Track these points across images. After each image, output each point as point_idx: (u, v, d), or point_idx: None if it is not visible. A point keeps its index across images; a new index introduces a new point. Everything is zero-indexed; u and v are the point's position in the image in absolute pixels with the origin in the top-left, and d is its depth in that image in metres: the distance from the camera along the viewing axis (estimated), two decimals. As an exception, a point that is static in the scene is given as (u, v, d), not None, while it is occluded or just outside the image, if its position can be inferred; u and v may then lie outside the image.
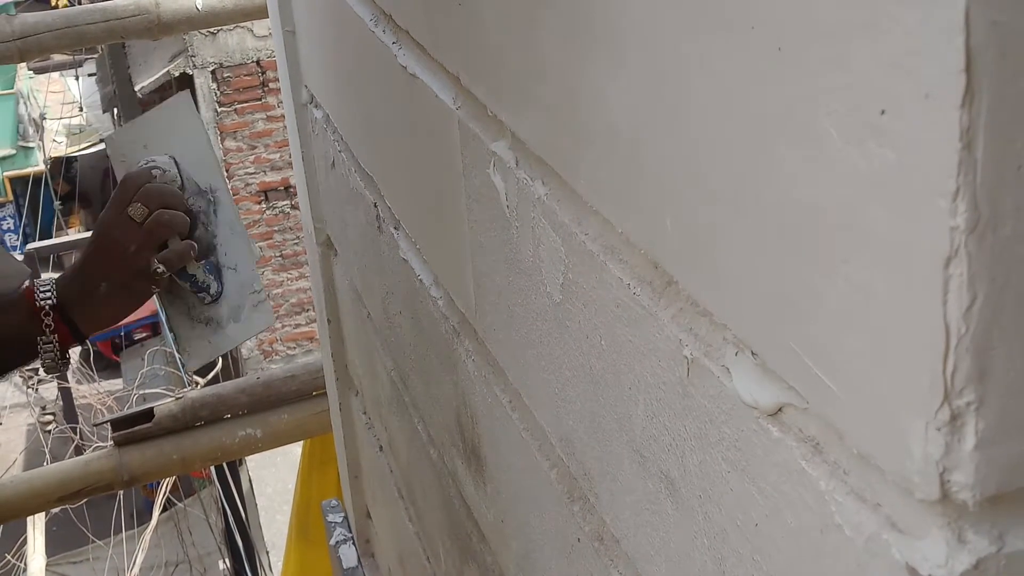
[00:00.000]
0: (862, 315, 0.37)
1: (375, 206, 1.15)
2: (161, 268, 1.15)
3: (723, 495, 0.50)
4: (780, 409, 0.44)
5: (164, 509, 7.66)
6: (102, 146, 15.31)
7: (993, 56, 0.31)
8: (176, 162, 1.19)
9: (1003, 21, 0.30)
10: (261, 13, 1.69)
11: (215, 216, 1.14)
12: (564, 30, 0.58)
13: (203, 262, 1.18)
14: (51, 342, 1.14)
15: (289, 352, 9.09)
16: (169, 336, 1.16)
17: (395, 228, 1.09)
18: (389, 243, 1.11)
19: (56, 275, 1.19)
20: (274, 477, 7.01)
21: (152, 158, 1.19)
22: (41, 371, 1.21)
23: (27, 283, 1.14)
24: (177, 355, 1.08)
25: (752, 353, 0.46)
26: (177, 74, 8.05)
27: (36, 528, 6.67)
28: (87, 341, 1.18)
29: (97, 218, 1.23)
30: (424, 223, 0.98)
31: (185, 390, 2.39)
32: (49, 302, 1.13)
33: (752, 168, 0.42)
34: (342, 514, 1.81)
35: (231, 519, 6.86)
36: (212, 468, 6.69)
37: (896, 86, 0.33)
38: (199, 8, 1.91)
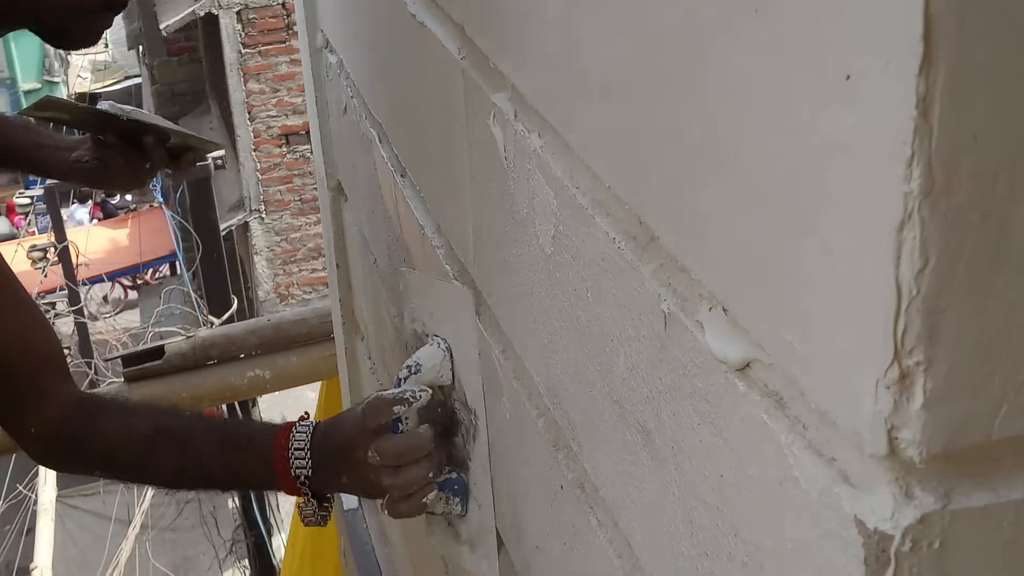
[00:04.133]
0: (823, 275, 0.38)
1: (384, 157, 1.16)
2: (391, 488, 1.01)
3: (694, 447, 0.51)
4: (748, 364, 0.46)
5: (176, 447, 7.73)
6: (127, 83, 15.33)
7: (952, 25, 0.32)
8: (451, 355, 0.99)
9: (963, -7, 0.31)
10: (281, -44, 1.69)
11: (473, 441, 0.98)
12: (562, -15, 0.58)
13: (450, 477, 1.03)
14: (311, 506, 1.09)
15: (305, 296, 9.13)
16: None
17: (401, 176, 1.10)
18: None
19: (303, 428, 1.08)
20: (285, 419, 7.06)
21: (431, 341, 1.01)
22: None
23: (278, 431, 1.08)
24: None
25: (724, 309, 0.47)
26: (203, 14, 8.03)
27: (49, 460, 6.73)
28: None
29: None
30: (429, 172, 0.99)
31: (195, 329, 2.41)
32: (305, 472, 1.06)
33: (729, 129, 0.43)
34: (345, 457, 1.84)
35: (241, 459, 6.92)
36: (224, 409, 6.76)
37: (861, 52, 0.34)
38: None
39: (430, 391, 0.97)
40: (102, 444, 1.14)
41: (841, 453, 0.40)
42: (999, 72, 0.32)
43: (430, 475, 0.98)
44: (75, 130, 1.58)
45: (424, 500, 0.98)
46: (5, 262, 1.13)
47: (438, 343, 0.99)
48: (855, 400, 0.38)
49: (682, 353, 0.51)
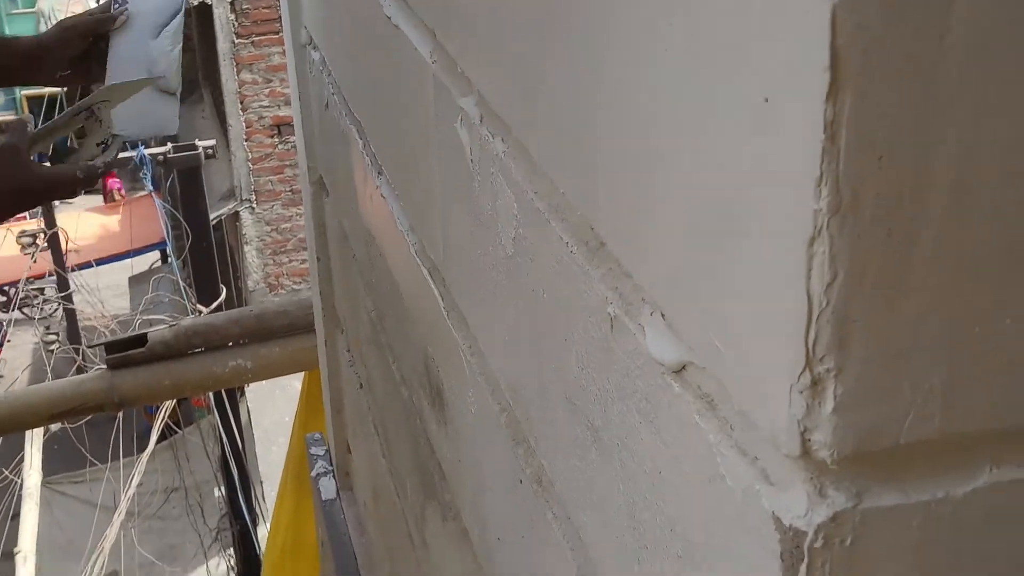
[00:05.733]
0: (744, 286, 0.41)
1: (363, 153, 1.18)
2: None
3: (636, 444, 0.54)
4: (683, 367, 0.48)
5: (163, 437, 7.76)
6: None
7: (857, 56, 0.34)
8: None
9: (867, 24, 0.33)
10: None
11: None
12: (523, 4, 0.61)
13: None
14: None
15: (295, 286, 9.15)
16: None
17: (378, 173, 1.12)
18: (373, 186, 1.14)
19: None
20: (272, 409, 7.10)
21: None
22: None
23: None
24: None
25: (662, 315, 0.49)
26: (196, 3, 8.03)
27: (34, 445, 6.77)
28: None
29: None
30: (403, 171, 1.01)
31: (184, 318, 2.43)
32: None
33: (665, 145, 0.46)
34: (324, 447, 1.86)
35: (228, 449, 6.95)
36: (211, 398, 6.77)
37: (778, 78, 0.37)
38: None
39: None
40: None
41: (762, 453, 0.42)
42: (901, 100, 0.34)
43: None
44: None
45: None
46: None
47: None
48: (772, 403, 0.40)
49: (626, 354, 0.53)
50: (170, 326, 2.18)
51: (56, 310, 9.84)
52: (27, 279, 8.21)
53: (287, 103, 8.44)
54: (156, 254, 10.74)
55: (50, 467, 7.75)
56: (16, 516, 6.96)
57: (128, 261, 9.90)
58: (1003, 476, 0.40)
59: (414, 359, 1.07)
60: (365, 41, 1.09)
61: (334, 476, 1.81)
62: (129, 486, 7.57)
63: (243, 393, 7.56)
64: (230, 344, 2.23)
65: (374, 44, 1.04)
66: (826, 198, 0.35)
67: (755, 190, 0.39)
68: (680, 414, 0.48)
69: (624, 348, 0.53)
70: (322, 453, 1.87)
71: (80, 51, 1.64)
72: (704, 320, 0.45)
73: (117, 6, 1.63)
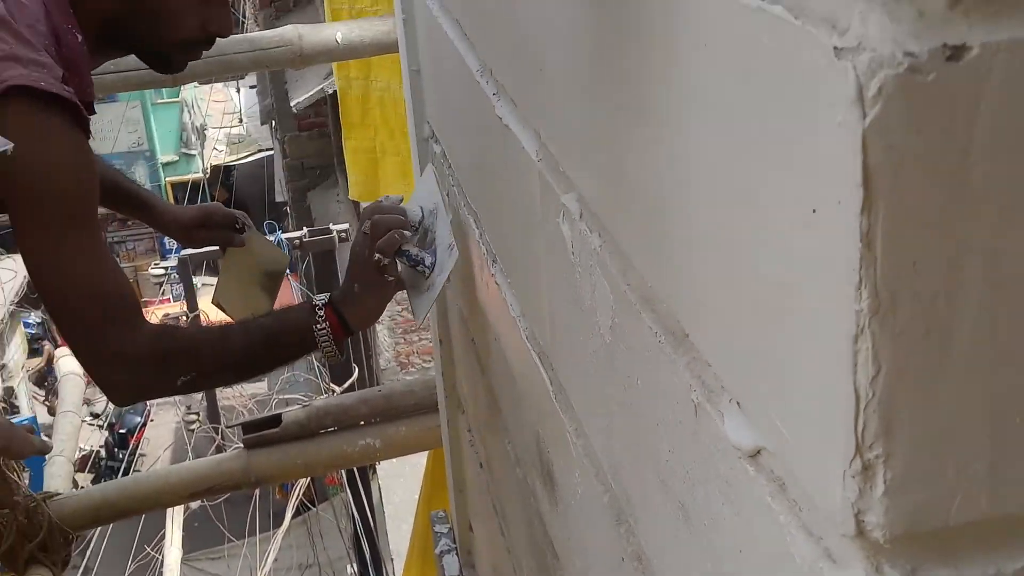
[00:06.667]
0: (801, 378, 0.44)
1: (480, 243, 1.24)
2: (378, 256, 1.42)
3: (719, 523, 0.57)
4: (758, 452, 0.51)
5: (297, 513, 7.92)
6: (260, 155, 15.89)
7: (888, 174, 0.38)
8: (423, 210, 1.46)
9: (895, 145, 0.37)
10: (394, 49, 1.80)
11: (436, 221, 1.40)
12: (611, 112, 0.66)
13: (420, 249, 1.42)
14: (325, 330, 1.46)
15: (424, 364, 9.28)
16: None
17: (493, 261, 1.17)
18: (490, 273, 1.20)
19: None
20: (402, 487, 7.18)
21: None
22: (323, 358, 1.55)
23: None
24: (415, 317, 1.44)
25: (738, 403, 0.53)
26: (331, 91, 8.32)
27: (175, 523, 6.98)
28: (355, 333, 1.52)
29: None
30: (514, 260, 1.07)
31: (317, 397, 2.52)
32: (322, 300, 1.47)
33: (737, 250, 0.50)
34: (448, 525, 1.91)
35: (359, 526, 7.06)
36: (344, 475, 6.90)
37: (823, 192, 0.41)
38: (339, 42, 2.04)
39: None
40: (186, 343, 1.46)
41: (825, 533, 0.45)
42: (930, 210, 0.38)
43: (405, 236, 1.41)
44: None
45: (399, 246, 1.40)
46: (91, 210, 1.41)
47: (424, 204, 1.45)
48: (830, 487, 0.43)
49: (709, 439, 0.57)
50: (303, 407, 2.27)
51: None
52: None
53: (417, 186, 8.64)
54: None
55: (190, 544, 7.96)
56: (157, 591, 7.15)
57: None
58: (1052, 556, 0.43)
59: (527, 440, 1.11)
60: (480, 137, 1.15)
61: (457, 554, 1.85)
62: (265, 562, 7.72)
63: (375, 471, 7.67)
64: (361, 423, 2.31)
65: (488, 140, 1.10)
66: (866, 300, 0.39)
67: (808, 291, 0.43)
68: (755, 496, 0.51)
69: (707, 433, 0.57)
70: (446, 531, 1.91)
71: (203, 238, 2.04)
72: (772, 408, 0.48)
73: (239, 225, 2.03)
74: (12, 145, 0.81)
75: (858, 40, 0.37)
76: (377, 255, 1.42)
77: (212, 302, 2.09)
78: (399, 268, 1.45)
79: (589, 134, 0.72)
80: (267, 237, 2.25)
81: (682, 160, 0.55)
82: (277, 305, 2.06)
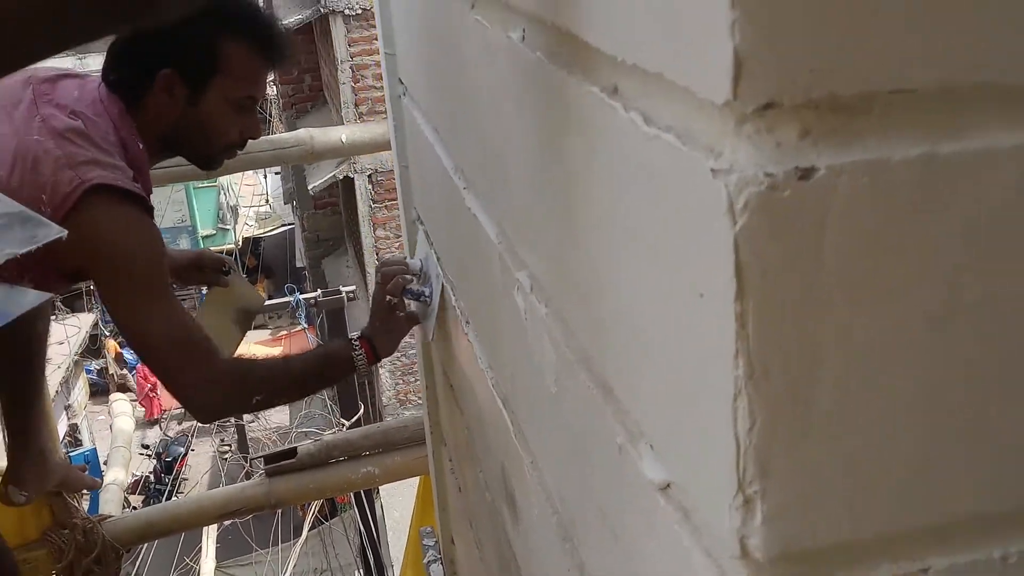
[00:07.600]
0: (699, 427, 0.46)
1: (455, 307, 1.25)
2: (389, 297, 1.54)
3: (640, 544, 0.58)
4: (668, 485, 0.52)
5: (313, 527, 7.82)
6: (283, 229, 15.89)
7: (755, 270, 0.39)
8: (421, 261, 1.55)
9: (760, 247, 0.39)
10: (388, 147, 1.83)
11: (428, 265, 1.49)
12: (554, 208, 0.67)
13: (419, 285, 1.52)
14: (361, 355, 1.59)
15: (420, 401, 9.23)
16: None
17: (467, 322, 1.19)
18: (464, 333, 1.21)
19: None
20: (401, 504, 7.12)
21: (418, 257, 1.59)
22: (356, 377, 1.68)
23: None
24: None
25: (651, 445, 0.54)
26: (342, 177, 8.36)
27: (209, 538, 6.90)
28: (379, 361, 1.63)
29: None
30: (482, 321, 1.08)
31: (329, 431, 2.51)
32: (356, 335, 1.61)
33: (646, 323, 0.51)
34: (435, 539, 1.90)
35: (365, 538, 6.98)
36: (351, 495, 6.83)
37: (708, 281, 0.42)
38: (344, 142, 2.07)
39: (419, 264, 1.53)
40: (258, 369, 1.56)
41: (719, 554, 0.46)
42: (790, 298, 0.40)
43: (407, 278, 1.52)
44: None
45: (404, 286, 1.52)
46: (164, 278, 1.47)
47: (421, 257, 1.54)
48: (721, 516, 0.44)
49: (631, 475, 0.58)
50: (314, 441, 2.26)
51: (230, 424, 10.07)
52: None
53: (413, 253, 8.66)
54: (309, 377, 10.95)
55: (223, 553, 7.85)
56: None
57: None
58: (900, 570, 0.44)
59: (495, 470, 1.12)
60: (455, 222, 1.17)
61: (442, 563, 1.84)
62: (286, 568, 7.60)
63: (377, 491, 7.61)
64: (363, 454, 2.30)
65: (461, 225, 1.12)
66: (742, 367, 0.40)
67: (699, 357, 0.44)
68: (666, 522, 0.52)
69: (629, 470, 0.58)
70: (432, 544, 1.91)
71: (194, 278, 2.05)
72: (677, 450, 0.50)
73: (226, 268, 2.02)
74: (66, 232, 0.82)
75: (730, 163, 0.39)
76: (388, 296, 1.54)
77: None
78: (411, 305, 1.56)
79: (538, 224, 0.74)
80: (250, 283, 2.23)
81: (604, 251, 0.57)
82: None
